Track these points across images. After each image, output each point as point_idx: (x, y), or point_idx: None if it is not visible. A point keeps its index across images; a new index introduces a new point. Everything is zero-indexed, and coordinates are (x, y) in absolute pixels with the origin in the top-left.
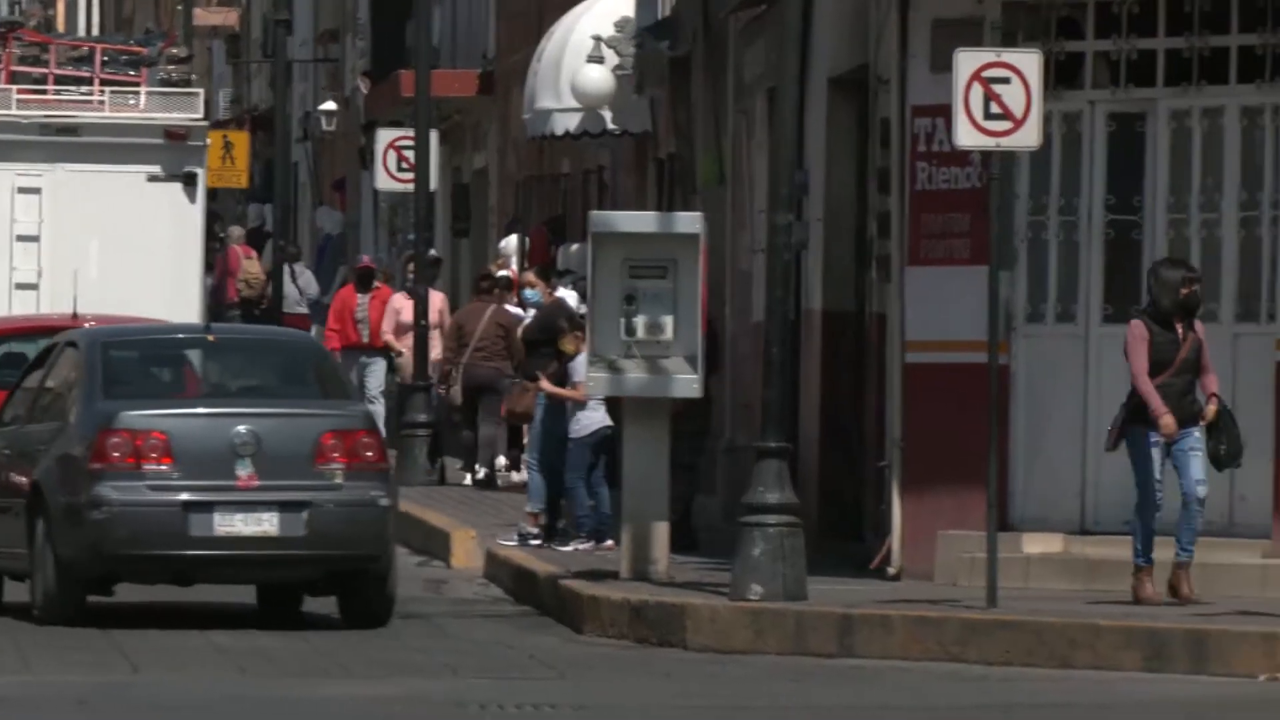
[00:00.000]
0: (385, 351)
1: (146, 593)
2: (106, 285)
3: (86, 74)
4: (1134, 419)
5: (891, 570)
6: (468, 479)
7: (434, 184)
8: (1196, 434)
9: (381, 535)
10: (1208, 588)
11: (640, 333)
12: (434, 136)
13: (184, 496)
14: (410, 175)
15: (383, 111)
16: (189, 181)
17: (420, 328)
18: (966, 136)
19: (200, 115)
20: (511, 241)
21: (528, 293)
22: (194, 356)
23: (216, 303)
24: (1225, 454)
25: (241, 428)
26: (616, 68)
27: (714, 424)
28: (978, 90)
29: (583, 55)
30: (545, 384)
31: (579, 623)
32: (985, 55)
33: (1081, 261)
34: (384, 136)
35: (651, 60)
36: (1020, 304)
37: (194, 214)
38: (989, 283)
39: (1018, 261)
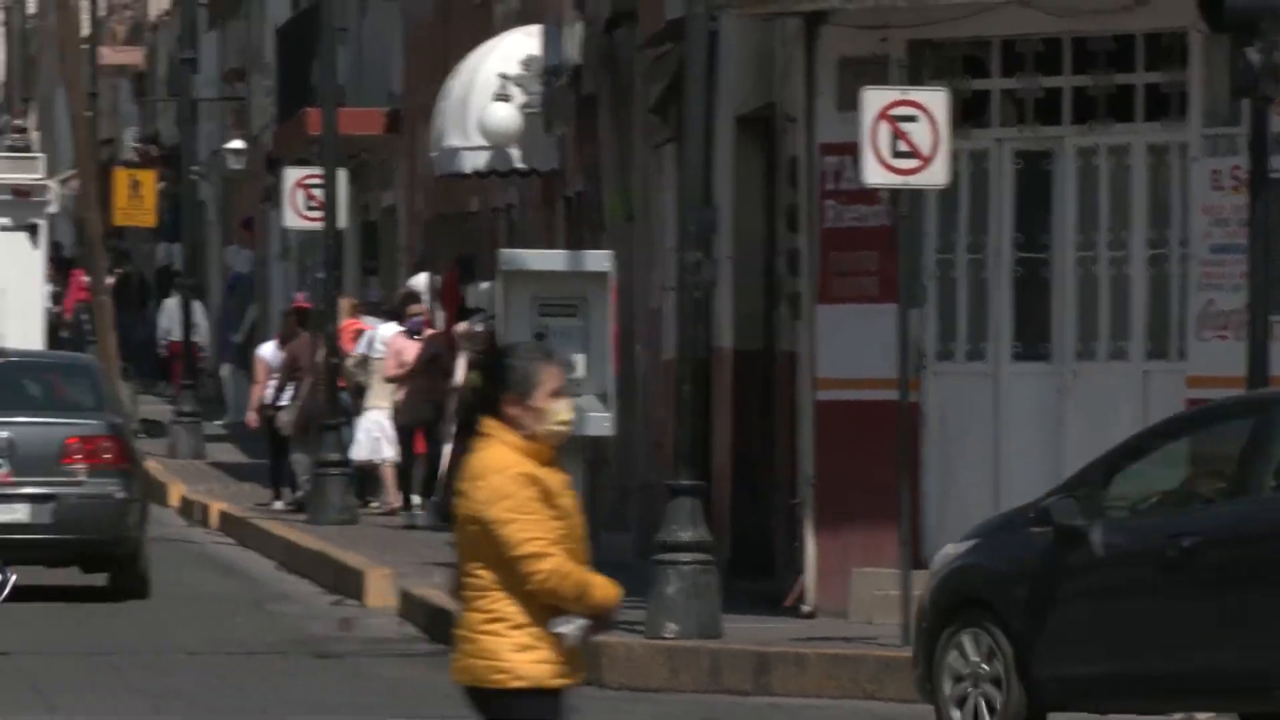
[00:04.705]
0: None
1: None
2: None
3: None
4: None
5: (805, 608)
6: (278, 504)
7: (342, 222)
8: None
9: (119, 523)
10: None
11: None
12: (342, 175)
13: None
14: (319, 213)
15: (289, 149)
16: (32, 231)
17: (331, 364)
18: (875, 175)
19: (40, 175)
20: (422, 279)
21: None
22: None
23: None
24: None
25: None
26: (524, 105)
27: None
28: (885, 128)
29: (490, 93)
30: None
31: None
32: (892, 93)
33: (990, 299)
34: (291, 175)
35: (558, 98)
36: (930, 342)
37: (37, 257)
38: (899, 320)
39: (927, 299)
